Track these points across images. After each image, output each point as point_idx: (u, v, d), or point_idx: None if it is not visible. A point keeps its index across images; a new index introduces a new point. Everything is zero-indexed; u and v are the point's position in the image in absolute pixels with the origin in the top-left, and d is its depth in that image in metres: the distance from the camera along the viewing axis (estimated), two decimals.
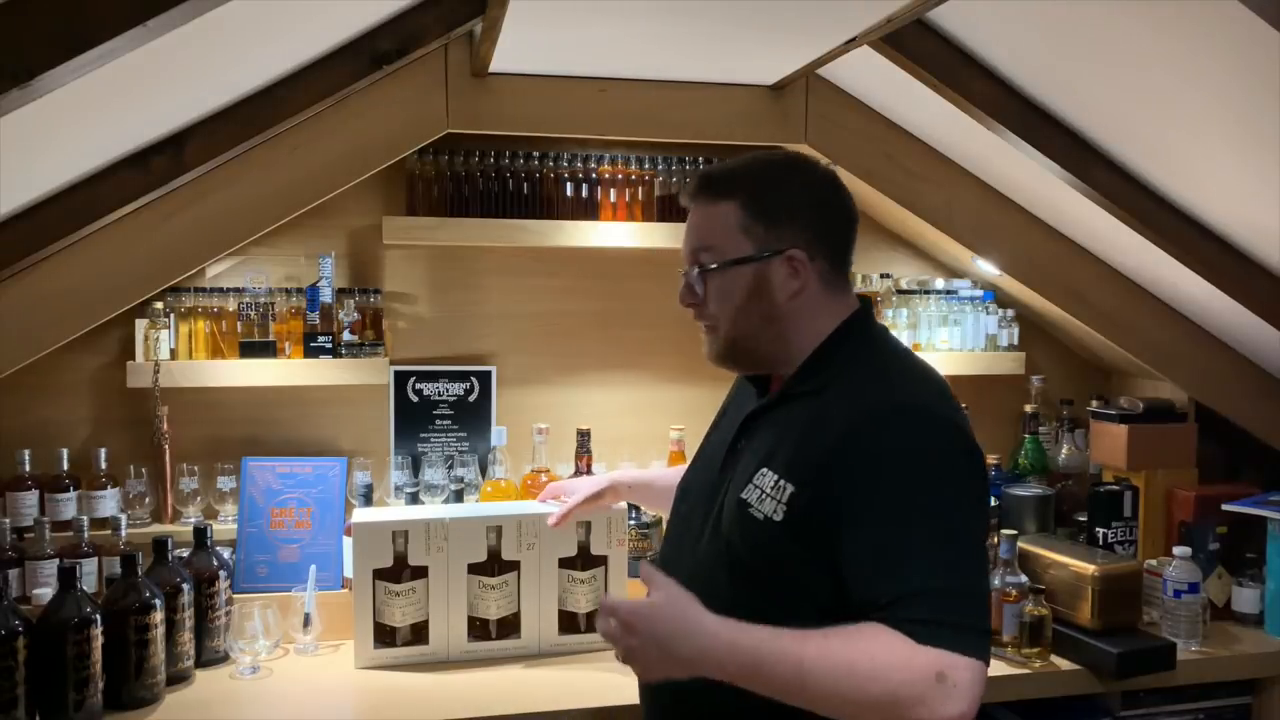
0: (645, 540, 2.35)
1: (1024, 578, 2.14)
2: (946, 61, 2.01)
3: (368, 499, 2.28)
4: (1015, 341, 2.76)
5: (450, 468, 2.50)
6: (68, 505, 2.26)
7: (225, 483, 2.39)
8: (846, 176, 2.31)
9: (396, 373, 2.51)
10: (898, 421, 1.35)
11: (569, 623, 2.16)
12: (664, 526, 2.38)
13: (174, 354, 2.29)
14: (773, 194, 1.46)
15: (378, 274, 2.53)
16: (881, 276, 2.74)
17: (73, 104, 1.53)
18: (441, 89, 2.28)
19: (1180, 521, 2.46)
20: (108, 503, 2.28)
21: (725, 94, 2.42)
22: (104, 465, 2.32)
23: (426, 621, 2.09)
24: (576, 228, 2.45)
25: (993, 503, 2.34)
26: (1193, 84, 1.77)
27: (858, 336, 1.47)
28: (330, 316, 2.36)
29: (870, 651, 1.22)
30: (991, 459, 2.53)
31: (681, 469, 2.09)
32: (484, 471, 2.51)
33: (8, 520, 2.16)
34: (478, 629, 2.12)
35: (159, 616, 1.90)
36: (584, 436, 2.38)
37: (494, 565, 2.11)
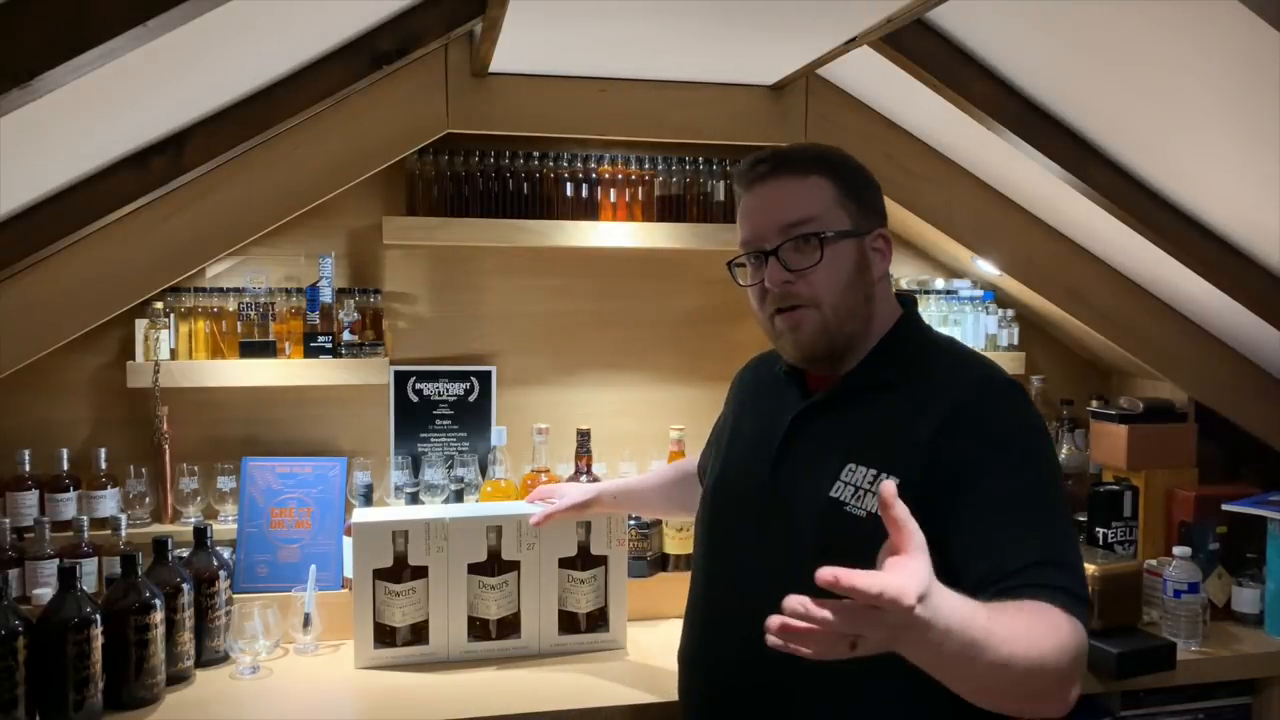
0: (645, 540, 2.35)
1: None
2: (946, 61, 2.01)
3: (368, 499, 2.29)
4: (1015, 341, 2.76)
5: (450, 468, 2.50)
6: (68, 505, 2.26)
7: (225, 483, 2.39)
8: None
9: (396, 373, 2.51)
10: (1005, 395, 1.34)
11: (569, 623, 2.16)
12: (664, 527, 2.39)
13: (174, 354, 2.29)
14: (853, 173, 1.46)
15: (378, 274, 2.53)
16: None
17: (73, 104, 1.53)
18: (441, 89, 2.28)
19: (1180, 521, 2.46)
20: (108, 503, 2.28)
21: (725, 94, 2.42)
22: (104, 465, 2.32)
23: (426, 621, 2.09)
24: (576, 228, 2.45)
25: None
26: (1193, 84, 1.77)
27: (923, 329, 1.47)
28: (330, 316, 2.36)
29: (1030, 621, 1.10)
30: None
31: (663, 474, 2.10)
32: (484, 471, 2.51)
33: (8, 520, 2.16)
34: (478, 629, 2.12)
35: (159, 616, 1.90)
36: (584, 436, 2.38)
37: (494, 565, 2.11)
